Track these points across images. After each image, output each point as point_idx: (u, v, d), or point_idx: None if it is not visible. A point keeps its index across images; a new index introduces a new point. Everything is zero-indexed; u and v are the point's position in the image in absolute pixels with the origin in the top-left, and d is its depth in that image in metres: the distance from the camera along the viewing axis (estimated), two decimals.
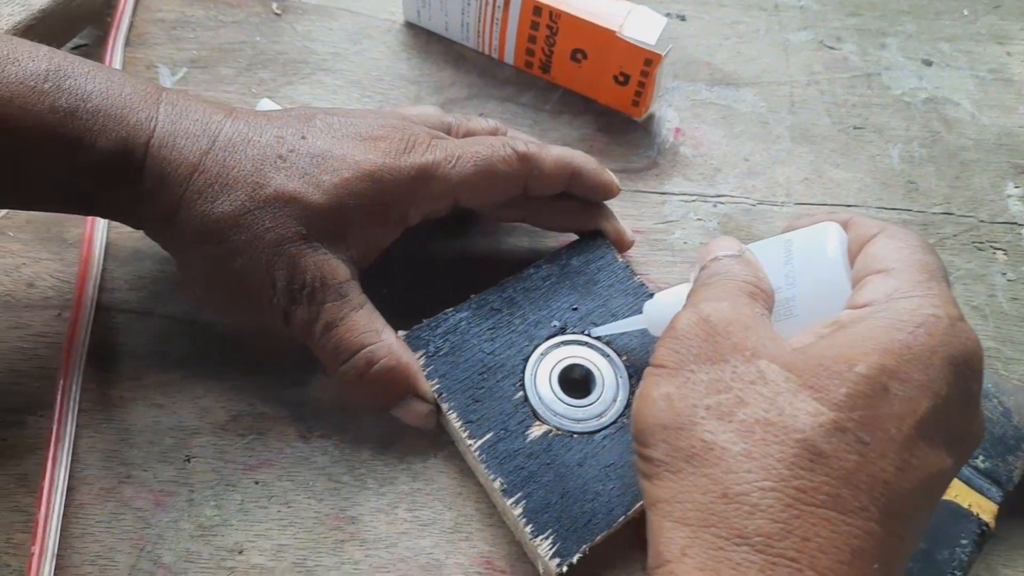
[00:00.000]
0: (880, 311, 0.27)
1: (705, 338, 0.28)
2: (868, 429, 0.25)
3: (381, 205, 0.36)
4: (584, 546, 0.34)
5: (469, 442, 0.36)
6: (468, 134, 0.41)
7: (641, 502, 0.35)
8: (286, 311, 0.35)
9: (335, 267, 0.35)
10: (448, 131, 0.40)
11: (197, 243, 0.35)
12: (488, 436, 0.36)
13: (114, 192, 0.35)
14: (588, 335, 0.39)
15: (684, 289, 0.35)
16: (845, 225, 0.32)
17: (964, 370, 0.27)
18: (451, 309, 0.39)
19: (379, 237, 0.38)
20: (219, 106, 0.37)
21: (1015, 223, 0.49)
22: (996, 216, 0.49)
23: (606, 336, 0.39)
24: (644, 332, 0.39)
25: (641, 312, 0.37)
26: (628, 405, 0.38)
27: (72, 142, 0.33)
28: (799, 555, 0.24)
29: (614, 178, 0.42)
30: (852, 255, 0.31)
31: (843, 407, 0.25)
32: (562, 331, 0.39)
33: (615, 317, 0.40)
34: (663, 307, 0.36)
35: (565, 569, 0.33)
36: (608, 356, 0.39)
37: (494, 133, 0.41)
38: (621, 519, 0.35)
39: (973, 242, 0.48)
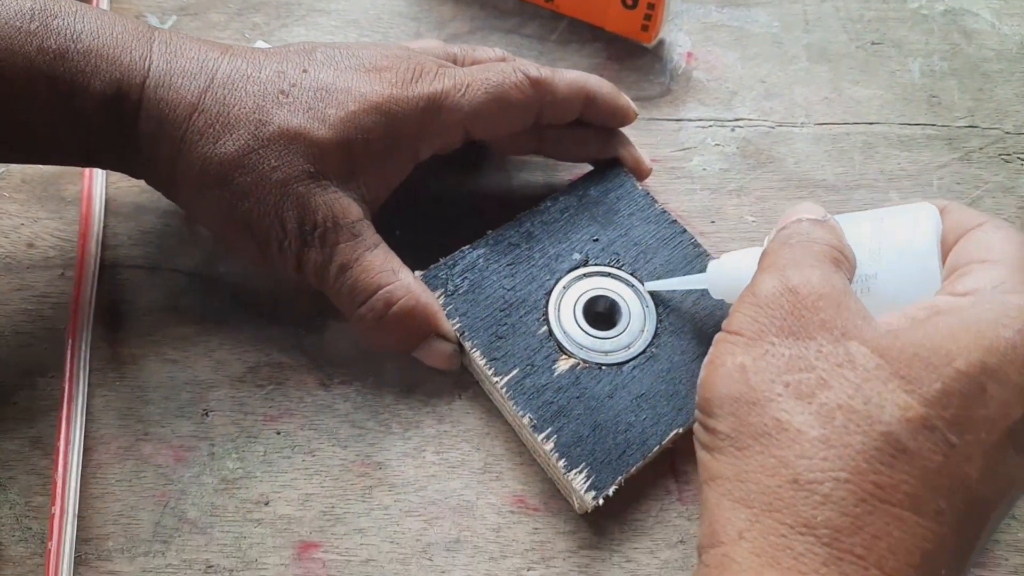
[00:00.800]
0: (986, 303, 0.25)
1: (791, 310, 0.26)
2: (958, 429, 0.23)
3: (390, 138, 0.35)
4: (620, 478, 0.33)
5: (495, 379, 0.35)
6: (475, 63, 0.39)
7: (676, 431, 0.34)
8: (298, 255, 0.34)
9: (347, 206, 0.34)
10: (454, 61, 0.39)
11: (200, 187, 0.34)
12: (514, 372, 0.35)
13: (111, 138, 0.34)
14: (643, 286, 0.37)
15: (755, 253, 0.32)
16: (942, 212, 0.30)
17: None
18: (468, 246, 0.38)
19: (390, 173, 0.36)
20: (215, 44, 0.35)
21: None
22: (1022, 127, 0.47)
23: (661, 291, 0.37)
24: (662, 244, 0.38)
25: (704, 272, 0.36)
26: (656, 335, 0.36)
27: (64, 85, 0.32)
28: (867, 552, 0.22)
29: (631, 102, 0.40)
30: (947, 245, 0.29)
31: (934, 403, 0.23)
32: (584, 263, 0.38)
33: (637, 246, 0.38)
34: (731, 269, 0.34)
35: (601, 502, 0.32)
36: (633, 286, 0.37)
37: (502, 61, 0.39)
38: (656, 449, 0.34)
39: (1000, 154, 0.46)
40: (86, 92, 0.32)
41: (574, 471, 0.33)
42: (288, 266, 0.35)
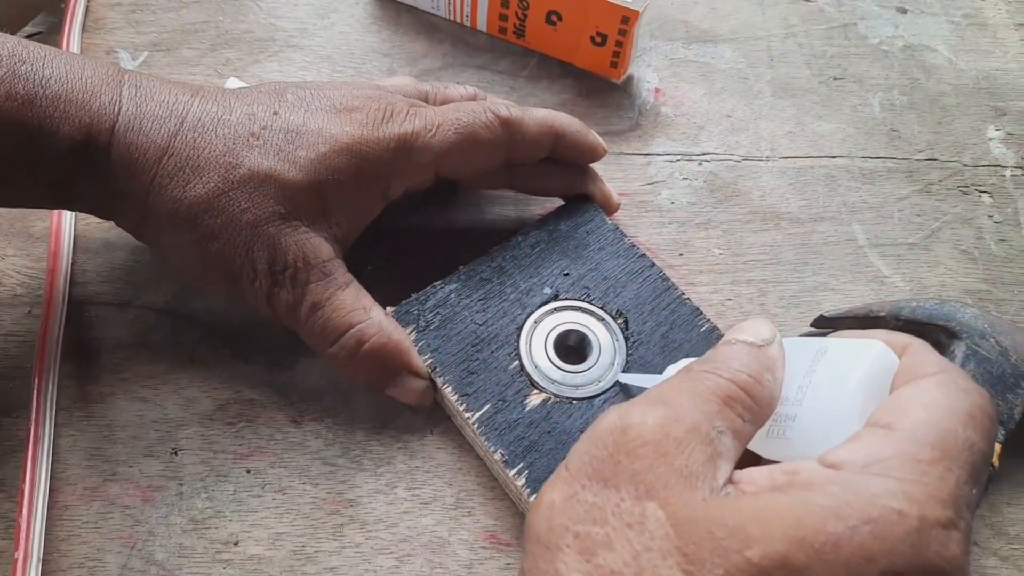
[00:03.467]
0: (836, 483, 0.22)
1: (612, 452, 0.24)
2: None
3: (361, 179, 0.35)
4: None
5: (467, 415, 0.35)
6: (446, 102, 0.39)
7: None
8: (269, 294, 0.34)
9: (317, 246, 0.34)
10: (425, 100, 0.39)
11: (171, 230, 0.34)
12: (486, 408, 0.35)
13: (81, 182, 0.34)
14: (616, 382, 0.36)
15: None
16: (903, 350, 0.27)
17: None
18: (439, 281, 0.38)
19: (361, 212, 0.36)
20: (185, 86, 0.35)
21: (998, 165, 0.49)
22: (979, 159, 0.49)
23: (630, 383, 0.36)
24: (631, 278, 0.39)
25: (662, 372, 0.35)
26: (626, 368, 0.37)
27: (33, 130, 0.32)
28: None
29: (600, 139, 0.40)
30: (894, 388, 0.26)
31: None
32: (555, 297, 0.38)
33: (607, 280, 0.39)
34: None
35: None
36: (603, 320, 0.38)
37: (473, 99, 0.40)
38: None
39: (958, 186, 0.48)
40: (55, 137, 0.32)
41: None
42: (260, 305, 0.35)
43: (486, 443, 0.34)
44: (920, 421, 0.23)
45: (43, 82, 0.32)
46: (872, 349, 0.26)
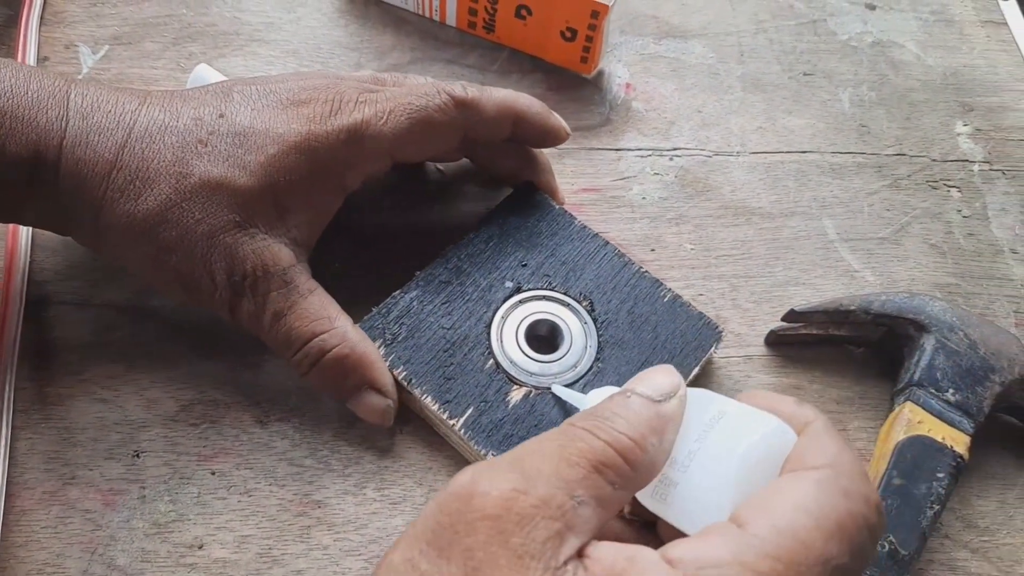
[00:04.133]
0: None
1: (452, 521, 0.22)
2: None
3: (315, 176, 0.34)
4: None
5: (451, 422, 0.34)
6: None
7: None
8: (230, 304, 0.33)
9: (276, 253, 0.33)
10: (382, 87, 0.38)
11: (127, 244, 0.33)
12: (469, 412, 0.34)
13: (31, 199, 0.33)
14: (551, 391, 0.36)
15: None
16: (804, 428, 0.25)
17: None
18: (399, 291, 0.37)
19: (320, 211, 0.35)
20: (133, 93, 0.34)
21: (966, 160, 0.49)
22: (947, 155, 0.49)
23: (563, 398, 0.35)
24: (588, 260, 0.39)
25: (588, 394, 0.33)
26: (600, 349, 0.37)
27: None
28: None
29: (562, 122, 0.39)
30: (785, 472, 0.24)
31: None
32: (517, 290, 0.38)
33: (565, 265, 0.39)
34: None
35: None
36: (569, 305, 0.38)
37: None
38: None
39: (927, 181, 0.48)
40: (2, 155, 0.31)
41: None
42: (222, 314, 0.34)
43: (475, 447, 0.34)
44: (775, 526, 0.22)
45: None
46: (765, 425, 0.25)
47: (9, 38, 0.45)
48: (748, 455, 0.24)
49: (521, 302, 0.38)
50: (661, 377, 0.26)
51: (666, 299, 0.38)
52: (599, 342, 0.37)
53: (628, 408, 0.25)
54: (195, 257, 0.33)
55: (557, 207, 0.40)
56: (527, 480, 0.22)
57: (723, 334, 0.38)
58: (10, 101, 0.32)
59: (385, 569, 0.22)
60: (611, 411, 0.25)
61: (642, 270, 0.39)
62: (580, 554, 0.22)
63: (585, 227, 0.40)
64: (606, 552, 0.22)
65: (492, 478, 0.22)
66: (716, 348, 0.38)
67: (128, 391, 0.36)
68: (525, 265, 0.38)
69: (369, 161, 0.35)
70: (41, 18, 0.46)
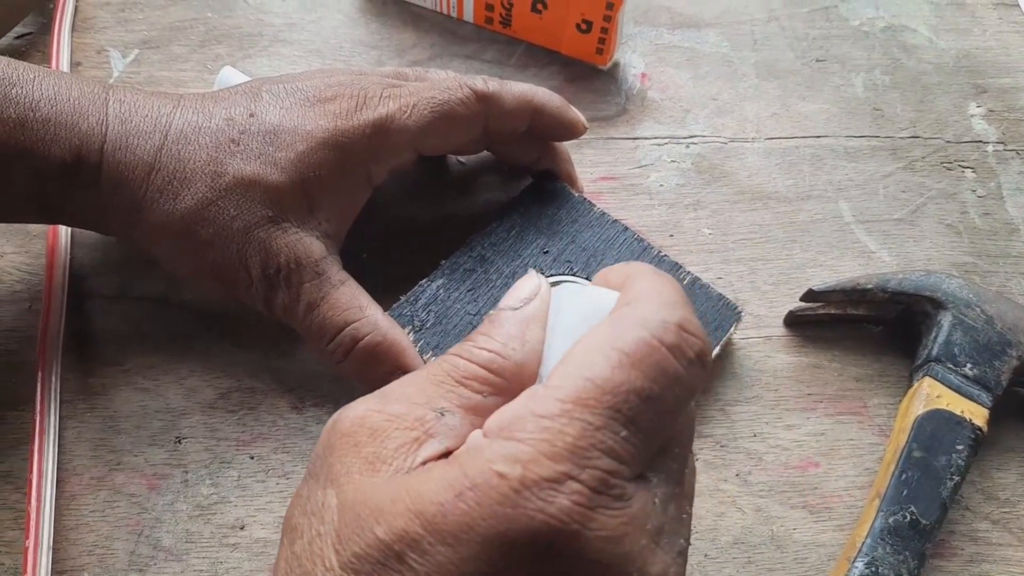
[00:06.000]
0: (468, 452, 0.22)
1: (323, 448, 0.24)
2: None
3: (343, 170, 0.35)
4: None
5: None
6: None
7: None
8: (265, 297, 0.35)
9: (309, 245, 0.34)
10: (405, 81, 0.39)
11: (165, 242, 0.35)
12: None
13: (74, 200, 0.34)
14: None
15: (595, 295, 0.27)
16: (625, 282, 0.25)
17: (528, 551, 0.20)
18: (425, 280, 0.38)
19: (348, 203, 0.37)
20: (167, 97, 0.36)
21: (980, 141, 0.49)
22: (961, 136, 0.50)
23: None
24: (608, 246, 0.40)
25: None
26: None
27: (24, 153, 0.32)
28: None
29: (580, 116, 0.40)
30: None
31: (348, 568, 0.21)
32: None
33: (586, 251, 0.40)
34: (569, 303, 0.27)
35: None
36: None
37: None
38: None
39: (942, 162, 0.48)
40: (46, 159, 0.33)
41: None
42: (258, 307, 0.35)
43: None
44: (566, 372, 0.22)
45: (33, 105, 0.33)
46: (589, 295, 0.25)
47: (43, 44, 0.47)
48: (570, 326, 0.25)
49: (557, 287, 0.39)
50: (523, 284, 0.27)
51: (686, 281, 0.39)
52: None
53: (492, 323, 0.26)
54: (231, 252, 0.34)
55: (577, 195, 0.41)
56: (385, 402, 0.24)
57: (742, 315, 0.39)
58: (53, 108, 0.33)
59: (291, 502, 0.25)
60: (479, 332, 0.26)
61: (662, 254, 0.40)
62: (444, 456, 0.23)
63: (604, 214, 0.41)
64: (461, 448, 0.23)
65: (353, 407, 0.25)
66: (736, 328, 0.39)
67: (168, 380, 0.38)
68: (547, 252, 0.39)
69: (394, 154, 0.36)
70: (73, 25, 0.48)
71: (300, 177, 0.34)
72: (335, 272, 0.35)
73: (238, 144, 0.34)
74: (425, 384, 0.25)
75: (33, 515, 0.33)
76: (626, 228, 0.40)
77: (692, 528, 0.36)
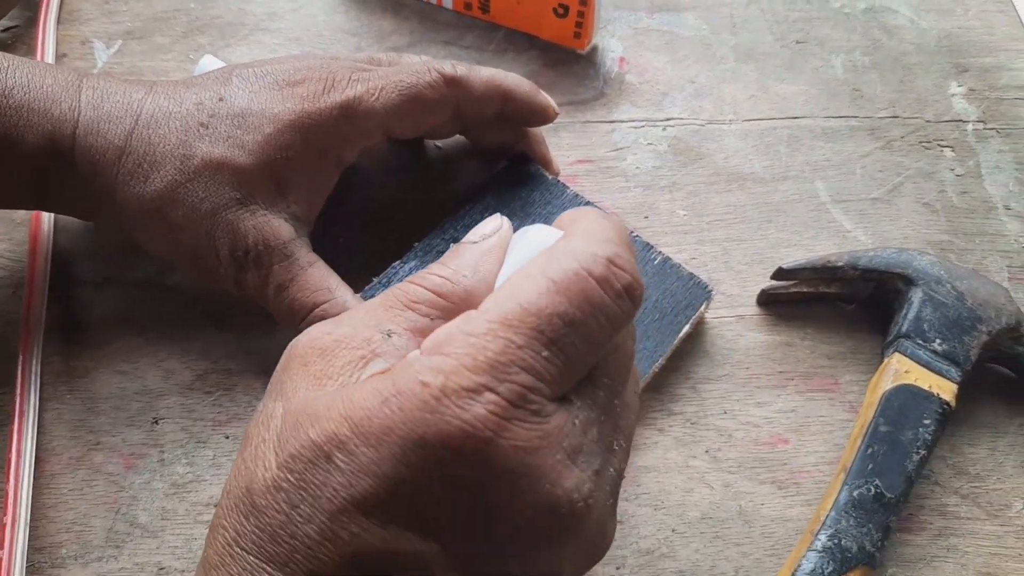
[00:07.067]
0: (401, 366, 0.23)
1: (280, 369, 0.26)
2: (301, 493, 0.22)
3: (310, 152, 0.36)
4: None
5: None
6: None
7: (668, 353, 0.38)
8: (236, 278, 0.35)
9: (277, 227, 0.35)
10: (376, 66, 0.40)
11: (141, 224, 0.35)
12: None
13: (49, 185, 0.35)
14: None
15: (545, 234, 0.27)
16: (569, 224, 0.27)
17: (444, 455, 0.22)
18: (398, 262, 0.39)
19: (318, 185, 0.37)
20: (140, 84, 0.36)
21: (960, 120, 0.49)
22: (941, 115, 0.50)
23: None
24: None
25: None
26: None
27: None
28: None
29: (550, 101, 0.41)
30: None
31: (284, 466, 0.23)
32: None
33: None
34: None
35: None
36: None
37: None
38: (648, 374, 0.37)
39: (920, 142, 0.48)
40: (21, 144, 0.33)
41: None
42: (229, 287, 0.36)
43: None
44: (498, 297, 0.23)
45: (6, 93, 0.33)
46: (537, 233, 0.27)
47: (29, 37, 0.48)
48: (516, 262, 0.26)
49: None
50: (487, 222, 0.29)
51: (656, 261, 0.39)
52: None
53: (451, 255, 0.27)
54: (200, 234, 0.35)
55: (550, 178, 0.42)
56: (337, 325, 0.26)
57: (714, 293, 0.39)
58: (27, 95, 0.34)
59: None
60: (437, 263, 0.27)
61: (633, 234, 0.40)
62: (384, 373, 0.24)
63: (578, 195, 0.41)
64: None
65: (310, 331, 0.26)
66: (707, 307, 0.39)
67: (147, 363, 0.39)
68: None
69: (362, 136, 0.37)
70: (58, 17, 0.49)
71: (268, 159, 0.35)
72: (304, 254, 0.36)
73: (207, 127, 0.35)
74: (376, 308, 0.26)
75: (11, 493, 0.34)
76: (603, 213, 0.41)
77: (661, 503, 0.36)
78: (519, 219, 0.40)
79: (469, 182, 0.44)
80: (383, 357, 0.25)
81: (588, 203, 0.41)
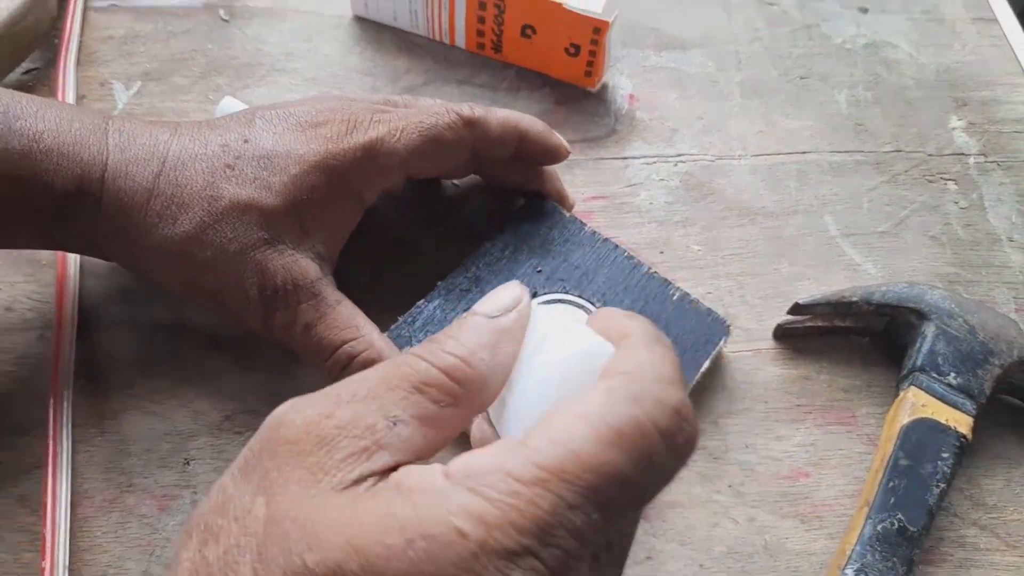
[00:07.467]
0: (426, 493, 0.20)
1: (261, 447, 0.22)
2: None
3: (334, 191, 0.36)
4: None
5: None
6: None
7: (688, 390, 0.38)
8: (264, 317, 0.36)
9: (304, 267, 0.36)
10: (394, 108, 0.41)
11: (166, 266, 0.36)
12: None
13: (77, 227, 0.36)
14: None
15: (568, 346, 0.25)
16: (621, 341, 0.24)
17: None
18: (422, 301, 0.39)
19: (341, 223, 0.38)
20: (165, 125, 0.37)
21: (962, 153, 0.51)
22: (943, 149, 0.51)
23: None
24: (599, 264, 0.41)
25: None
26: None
27: (28, 183, 0.34)
28: None
29: (563, 141, 0.42)
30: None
31: None
32: (534, 295, 0.40)
33: (578, 270, 0.41)
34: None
35: None
36: (584, 307, 0.40)
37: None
38: None
39: (924, 175, 0.50)
40: (49, 189, 0.34)
41: None
42: (257, 327, 0.37)
43: None
44: (550, 436, 0.21)
45: (37, 137, 0.34)
46: (580, 340, 0.24)
47: (49, 79, 0.48)
48: (553, 371, 0.24)
49: (538, 306, 0.40)
50: (503, 293, 0.26)
51: (675, 298, 0.40)
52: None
53: (462, 328, 0.24)
54: (229, 275, 0.35)
55: (567, 215, 0.43)
56: (336, 405, 0.22)
57: (731, 328, 0.40)
58: (56, 139, 0.34)
59: (203, 498, 0.23)
60: (446, 334, 0.24)
61: (651, 271, 0.41)
62: (386, 472, 0.22)
63: (595, 233, 0.42)
64: (405, 469, 0.22)
65: (302, 407, 0.23)
66: (725, 342, 0.40)
67: (175, 404, 0.39)
68: (540, 271, 0.41)
69: (384, 176, 0.38)
70: (77, 59, 0.49)
71: (293, 200, 0.35)
72: (330, 292, 0.36)
73: (233, 169, 0.35)
74: (378, 386, 0.23)
75: (49, 537, 0.34)
76: (616, 246, 0.42)
77: (688, 539, 0.37)
78: (538, 256, 0.41)
79: (487, 219, 0.45)
80: (387, 450, 0.22)
81: (606, 240, 0.42)
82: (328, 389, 0.24)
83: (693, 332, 0.40)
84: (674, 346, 0.39)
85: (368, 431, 0.22)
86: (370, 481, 0.21)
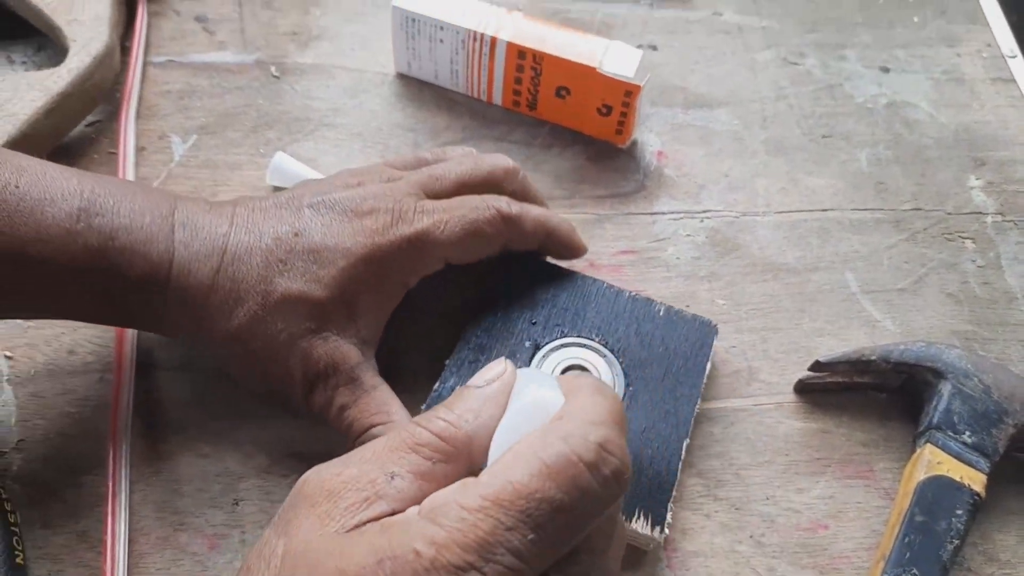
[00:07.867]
0: (399, 526, 0.24)
1: (288, 505, 0.27)
2: None
3: (380, 281, 0.39)
4: (669, 503, 0.37)
5: None
6: (442, 161, 0.44)
7: (685, 442, 0.40)
8: (306, 397, 0.39)
9: (347, 352, 0.38)
10: (426, 165, 0.43)
11: (221, 351, 0.39)
12: None
13: (142, 313, 0.38)
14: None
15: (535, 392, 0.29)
16: (570, 393, 0.28)
17: None
18: (437, 383, 0.41)
19: (383, 308, 0.40)
20: (223, 212, 0.39)
21: (980, 212, 0.52)
22: (961, 207, 0.53)
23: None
24: (586, 300, 0.43)
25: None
26: (626, 374, 0.41)
27: (101, 278, 0.36)
28: None
29: (583, 241, 0.45)
30: None
31: None
32: (536, 347, 0.42)
33: (567, 311, 0.43)
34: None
35: (667, 531, 0.38)
36: (586, 346, 0.42)
37: (467, 157, 0.44)
38: (680, 464, 0.39)
39: (943, 233, 0.51)
40: (122, 284, 0.37)
41: (632, 520, 0.37)
42: (300, 405, 0.39)
43: None
44: (493, 471, 0.25)
45: (112, 235, 0.36)
46: (536, 394, 0.28)
47: (110, 131, 0.52)
48: (513, 421, 0.27)
49: (544, 357, 0.42)
50: (491, 367, 0.30)
51: (661, 313, 0.43)
52: (623, 369, 0.41)
53: (456, 398, 0.29)
54: (278, 361, 0.38)
55: (541, 259, 0.45)
56: (346, 466, 0.27)
57: (718, 327, 0.43)
58: (129, 237, 0.37)
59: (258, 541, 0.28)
60: (442, 404, 0.29)
61: (633, 295, 0.43)
62: (384, 517, 0.26)
63: (571, 271, 0.45)
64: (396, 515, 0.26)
65: (321, 468, 0.28)
66: (716, 339, 0.43)
67: (226, 446, 0.41)
68: (535, 323, 0.43)
69: (427, 265, 0.40)
70: (137, 112, 0.52)
71: (341, 291, 0.38)
72: (369, 377, 0.39)
73: (285, 263, 0.38)
74: (383, 449, 0.27)
75: (108, 573, 0.36)
76: (595, 280, 0.44)
77: None
78: (529, 310, 0.43)
79: (481, 282, 0.45)
80: (385, 499, 0.26)
81: (584, 276, 0.44)
82: (345, 455, 0.28)
83: (687, 339, 0.42)
84: (675, 356, 0.41)
85: (370, 484, 0.26)
86: (368, 526, 0.25)
